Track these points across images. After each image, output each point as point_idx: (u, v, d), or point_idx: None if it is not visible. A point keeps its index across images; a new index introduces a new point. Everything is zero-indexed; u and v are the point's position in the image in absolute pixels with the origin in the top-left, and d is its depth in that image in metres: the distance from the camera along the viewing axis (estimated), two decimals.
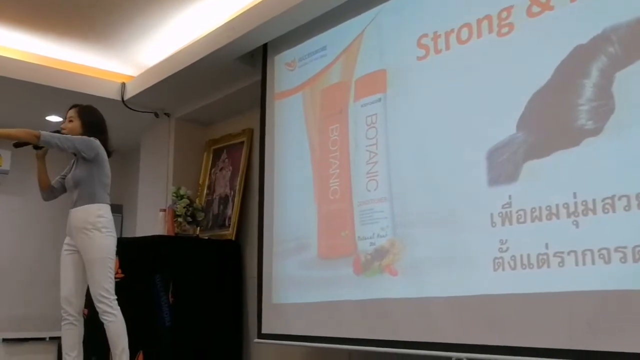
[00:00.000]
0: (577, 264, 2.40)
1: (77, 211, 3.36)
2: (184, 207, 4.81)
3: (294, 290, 3.72)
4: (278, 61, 4.17)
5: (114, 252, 3.39)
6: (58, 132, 3.42)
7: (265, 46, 4.25)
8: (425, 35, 3.18)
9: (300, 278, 3.69)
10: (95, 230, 3.30)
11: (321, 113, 3.77)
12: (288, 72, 4.08)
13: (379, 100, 3.37)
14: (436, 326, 2.89)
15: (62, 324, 3.39)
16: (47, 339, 5.86)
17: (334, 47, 3.73)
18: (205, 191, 5.29)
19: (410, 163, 3.15)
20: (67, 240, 3.45)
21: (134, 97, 5.16)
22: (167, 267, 4.32)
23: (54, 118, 5.71)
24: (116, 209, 6.19)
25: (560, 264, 2.45)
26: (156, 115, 5.47)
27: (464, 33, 2.99)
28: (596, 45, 2.47)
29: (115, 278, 4.09)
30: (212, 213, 5.11)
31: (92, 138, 3.40)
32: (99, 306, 3.27)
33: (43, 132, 3.26)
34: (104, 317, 3.26)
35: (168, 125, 5.54)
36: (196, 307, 4.37)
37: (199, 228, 5.00)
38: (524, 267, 2.57)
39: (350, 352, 3.69)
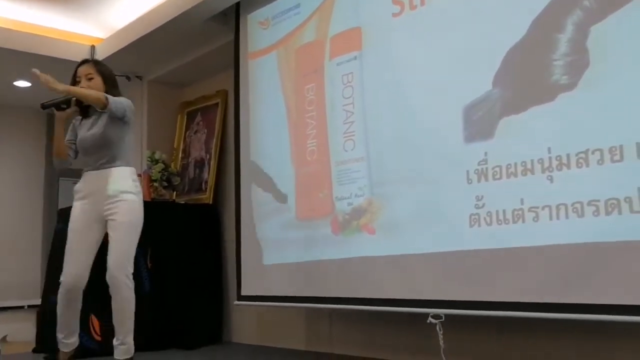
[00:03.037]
0: (551, 219, 2.43)
1: (110, 173, 3.09)
2: (159, 172, 4.75)
3: (272, 251, 3.73)
4: (251, 20, 4.09)
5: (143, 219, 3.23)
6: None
7: (237, 5, 4.16)
8: None
9: (278, 239, 3.69)
10: (133, 194, 3.12)
11: (296, 72, 3.72)
12: (261, 30, 4.00)
13: (355, 58, 3.33)
14: (414, 283, 2.92)
15: (64, 296, 3.08)
16: (26, 307, 5.83)
17: (308, 4, 3.66)
18: (180, 155, 5.23)
19: (386, 122, 3.13)
20: (85, 204, 3.12)
21: (104, 60, 4.98)
22: (145, 232, 4.28)
23: (22, 83, 5.57)
24: None
25: (535, 219, 2.48)
26: (128, 78, 5.35)
27: None
28: None
29: None
30: (188, 177, 5.07)
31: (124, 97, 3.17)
32: (117, 276, 2.98)
33: (109, 97, 3.01)
34: (119, 289, 2.99)
35: (140, 88, 5.43)
36: (175, 272, 4.37)
37: (175, 192, 4.96)
38: (499, 222, 2.60)
39: (330, 310, 3.73)
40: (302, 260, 3.51)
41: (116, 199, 3.06)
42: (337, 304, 3.32)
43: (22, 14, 4.73)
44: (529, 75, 2.57)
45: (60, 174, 6.01)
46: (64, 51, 4.97)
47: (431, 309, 2.80)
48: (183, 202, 4.90)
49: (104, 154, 3.10)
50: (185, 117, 5.32)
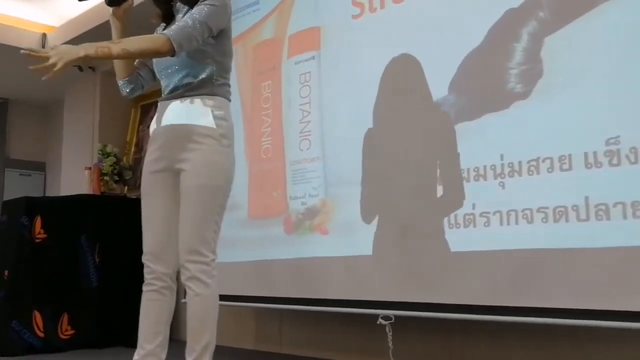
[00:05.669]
0: (501, 224, 2.47)
1: (185, 105, 2.11)
2: (111, 166, 4.65)
3: (223, 250, 3.66)
4: None
5: (231, 183, 2.18)
6: None
7: None
8: None
9: (230, 238, 3.62)
10: (211, 138, 2.08)
11: (253, 69, 3.69)
12: None
13: (313, 58, 3.32)
14: (365, 284, 2.93)
15: (144, 289, 2.25)
16: None
17: (267, 1, 3.63)
18: (132, 149, 5.13)
19: (344, 123, 3.13)
20: (152, 154, 2.20)
21: None
22: (94, 227, 4.20)
23: None
24: (39, 167, 5.94)
25: (486, 224, 2.51)
26: (80, 69, 5.20)
27: None
28: (527, 9, 2.49)
29: (37, 239, 3.97)
30: (140, 172, 4.97)
31: None
32: (188, 266, 2.07)
33: (174, 35, 2.02)
34: (189, 285, 2.08)
35: (93, 79, 5.30)
36: (124, 267, 4.27)
37: (126, 187, 4.86)
38: (450, 227, 2.62)
39: (281, 311, 3.71)
40: (253, 259, 3.48)
41: (187, 144, 2.09)
42: (289, 304, 3.30)
43: None
44: (485, 82, 2.61)
45: (6, 164, 5.78)
46: (14, 39, 4.82)
47: (381, 310, 2.81)
48: (134, 196, 4.80)
49: (181, 76, 2.14)
50: (140, 110, 5.21)
